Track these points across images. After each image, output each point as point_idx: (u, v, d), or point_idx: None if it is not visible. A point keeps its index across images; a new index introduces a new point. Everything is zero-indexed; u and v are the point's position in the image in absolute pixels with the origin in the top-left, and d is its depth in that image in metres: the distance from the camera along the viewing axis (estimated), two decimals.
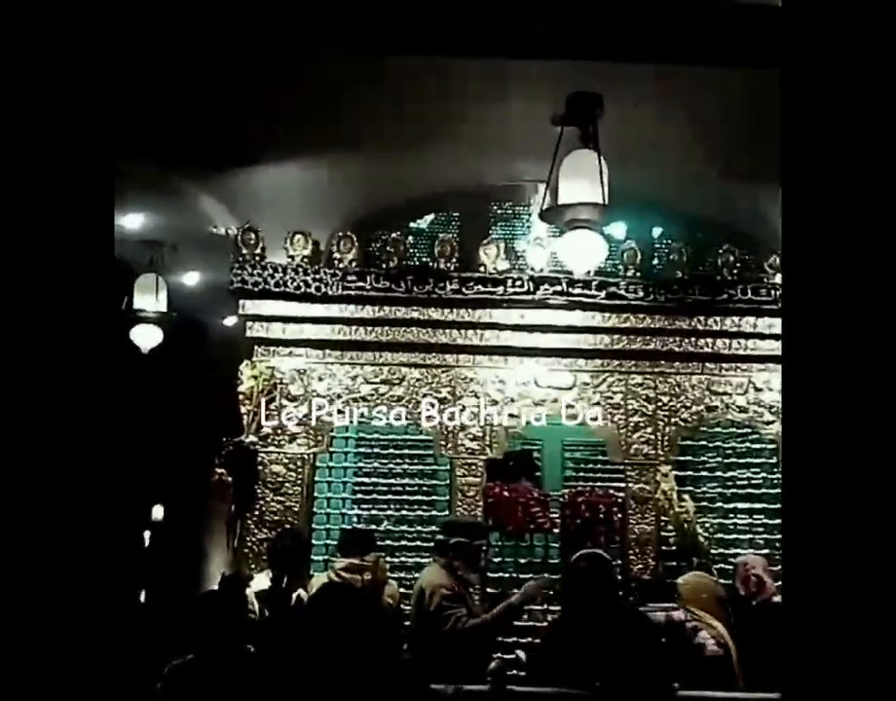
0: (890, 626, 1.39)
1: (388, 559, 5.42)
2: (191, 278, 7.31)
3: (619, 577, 5.35)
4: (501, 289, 5.82)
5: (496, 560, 5.68)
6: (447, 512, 5.80)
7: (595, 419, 5.85)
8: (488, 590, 5.54)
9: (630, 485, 5.80)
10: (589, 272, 5.59)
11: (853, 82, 1.50)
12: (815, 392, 1.49)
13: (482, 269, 5.87)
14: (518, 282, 5.82)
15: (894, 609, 1.39)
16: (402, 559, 5.78)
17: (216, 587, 3.76)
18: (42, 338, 1.84)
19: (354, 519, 5.90)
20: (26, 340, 1.83)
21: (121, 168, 5.62)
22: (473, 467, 5.80)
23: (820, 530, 1.46)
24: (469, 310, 5.85)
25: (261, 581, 4.32)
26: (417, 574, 5.12)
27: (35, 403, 1.82)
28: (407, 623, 4.77)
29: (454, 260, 5.88)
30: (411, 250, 6.17)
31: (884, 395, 1.43)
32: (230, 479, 5.53)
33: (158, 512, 8.66)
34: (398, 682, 3.19)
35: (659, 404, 5.88)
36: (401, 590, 5.24)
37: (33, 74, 1.89)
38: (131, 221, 6.29)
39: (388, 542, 5.74)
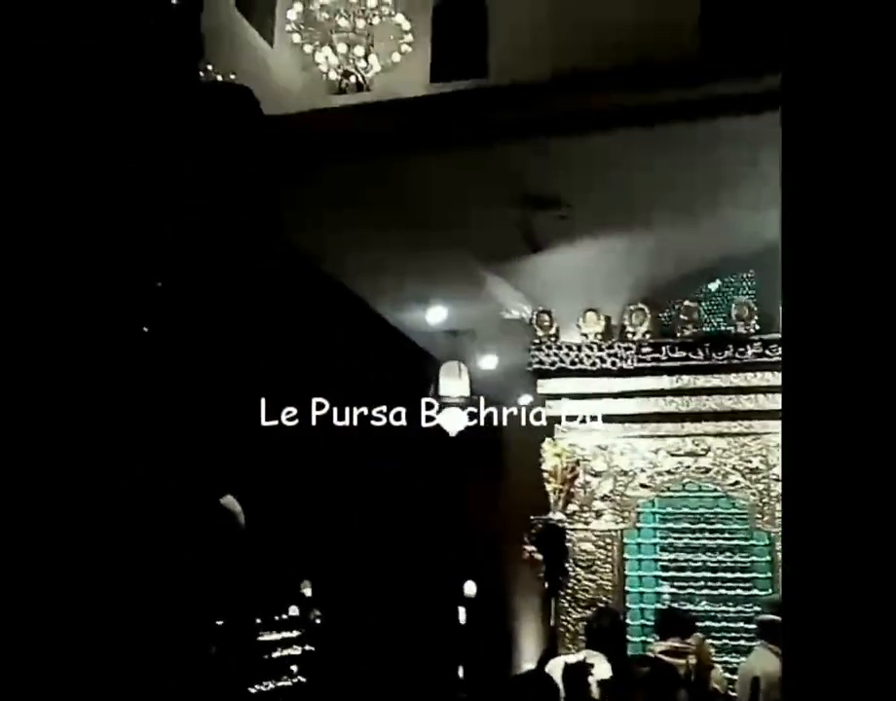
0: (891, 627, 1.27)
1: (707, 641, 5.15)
2: (489, 362, 7.67)
3: None
4: None
5: None
6: (769, 591, 5.42)
7: None
8: None
9: None
10: None
11: (857, 84, 1.40)
12: (818, 401, 1.38)
13: None
14: None
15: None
16: (723, 641, 5.47)
17: (561, 673, 3.77)
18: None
19: (668, 597, 5.70)
20: None
21: (428, 265, 6.11)
22: None
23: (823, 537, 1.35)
24: (775, 373, 5.53)
25: (602, 670, 4.24)
26: (739, 658, 4.83)
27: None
28: None
29: (753, 322, 5.62)
30: (706, 316, 5.99)
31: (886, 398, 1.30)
32: (540, 557, 5.63)
33: (470, 589, 8.97)
34: None
35: None
36: (726, 675, 4.94)
37: None
38: (435, 314, 6.77)
39: (706, 623, 5.46)
